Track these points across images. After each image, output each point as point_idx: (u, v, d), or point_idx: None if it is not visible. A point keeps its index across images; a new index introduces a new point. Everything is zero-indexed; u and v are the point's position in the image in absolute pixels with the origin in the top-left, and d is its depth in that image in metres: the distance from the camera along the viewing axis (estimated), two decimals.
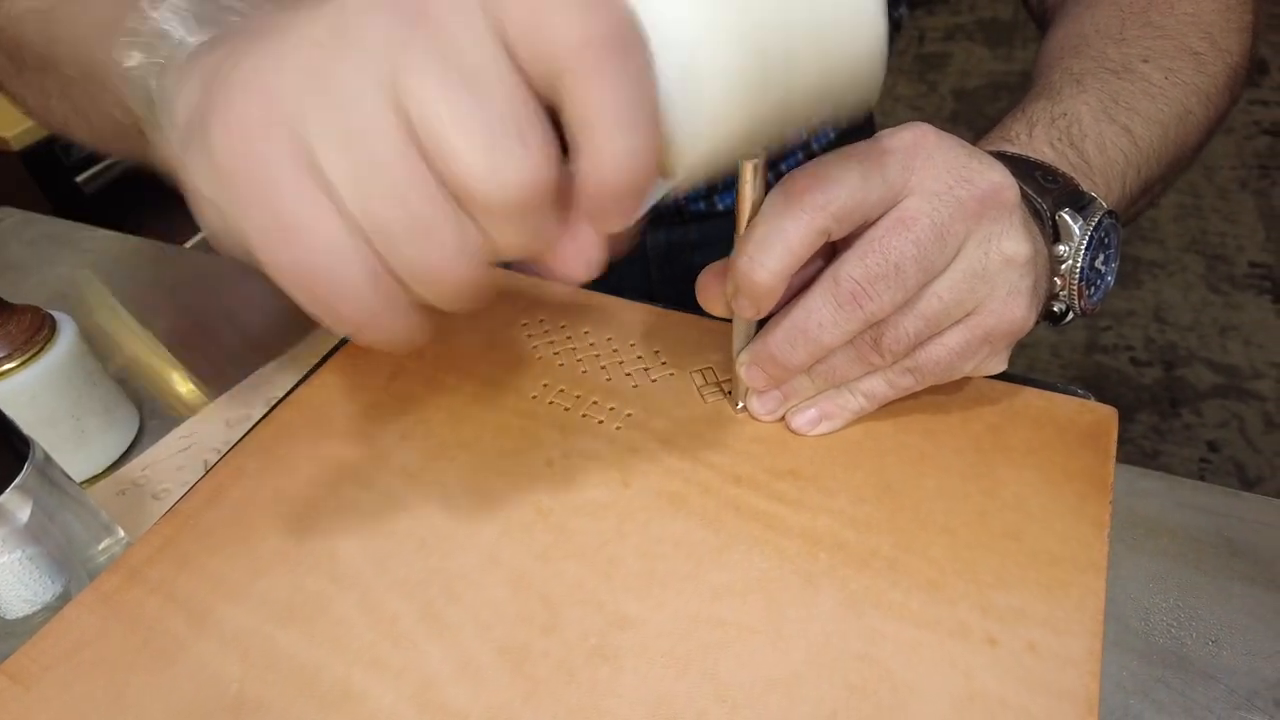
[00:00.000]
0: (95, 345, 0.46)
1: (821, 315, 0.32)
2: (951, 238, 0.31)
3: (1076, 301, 0.36)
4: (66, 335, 0.42)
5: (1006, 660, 0.27)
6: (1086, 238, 0.35)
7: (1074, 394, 0.37)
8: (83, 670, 0.30)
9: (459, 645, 0.29)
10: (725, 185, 0.63)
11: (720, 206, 0.65)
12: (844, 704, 0.27)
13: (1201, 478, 1.40)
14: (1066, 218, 0.35)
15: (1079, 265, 0.35)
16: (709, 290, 0.34)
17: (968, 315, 0.32)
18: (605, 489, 0.34)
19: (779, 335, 0.33)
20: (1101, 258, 0.36)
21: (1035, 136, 0.39)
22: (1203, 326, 1.71)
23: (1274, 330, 1.68)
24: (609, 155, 0.21)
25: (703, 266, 0.69)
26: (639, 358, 0.40)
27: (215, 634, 0.30)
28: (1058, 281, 0.35)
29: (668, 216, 0.65)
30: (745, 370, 0.35)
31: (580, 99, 0.21)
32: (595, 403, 0.38)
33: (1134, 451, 1.49)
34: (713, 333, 0.41)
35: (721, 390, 0.38)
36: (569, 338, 0.42)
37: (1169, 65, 0.43)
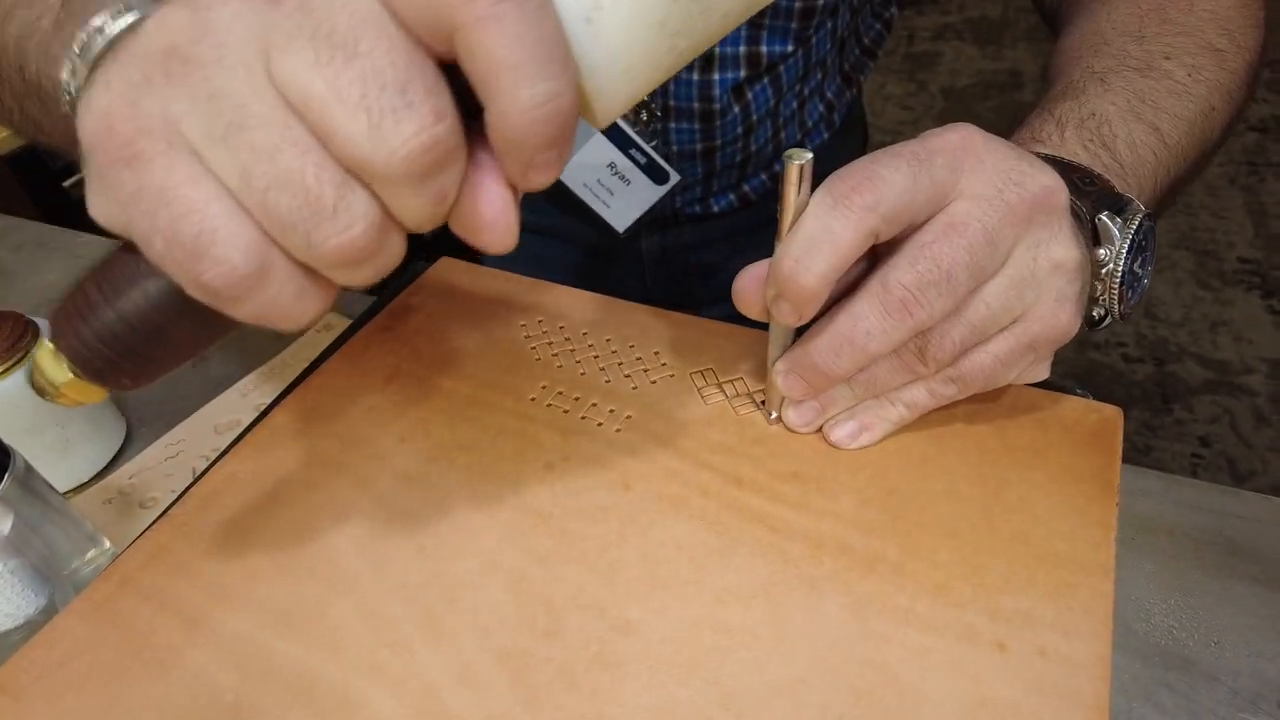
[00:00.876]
0: None
1: (869, 323, 0.31)
2: (1002, 243, 0.30)
3: (1116, 306, 0.35)
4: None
5: (1016, 665, 0.27)
6: (1128, 241, 0.34)
7: (1074, 393, 0.37)
8: (75, 680, 0.29)
9: (459, 651, 0.29)
10: (721, 188, 0.63)
11: (715, 209, 0.64)
12: (850, 710, 0.26)
13: (1194, 473, 1.41)
14: (1106, 221, 0.34)
15: (1120, 269, 0.34)
16: (747, 294, 0.33)
17: (1014, 322, 0.32)
18: (606, 492, 0.34)
19: (822, 343, 0.32)
20: (1140, 260, 0.36)
21: (1067, 138, 0.38)
22: (1193, 322, 1.72)
23: (1263, 325, 1.69)
24: (519, 106, 0.20)
25: (698, 268, 0.69)
26: (638, 359, 0.40)
27: (210, 641, 0.30)
28: (1098, 286, 0.35)
29: (663, 219, 0.64)
30: (783, 379, 0.34)
31: (478, 52, 0.20)
32: (594, 405, 0.38)
33: (1127, 448, 1.47)
34: (713, 334, 0.41)
35: (722, 392, 0.38)
36: (567, 339, 0.41)
37: (1192, 62, 0.42)
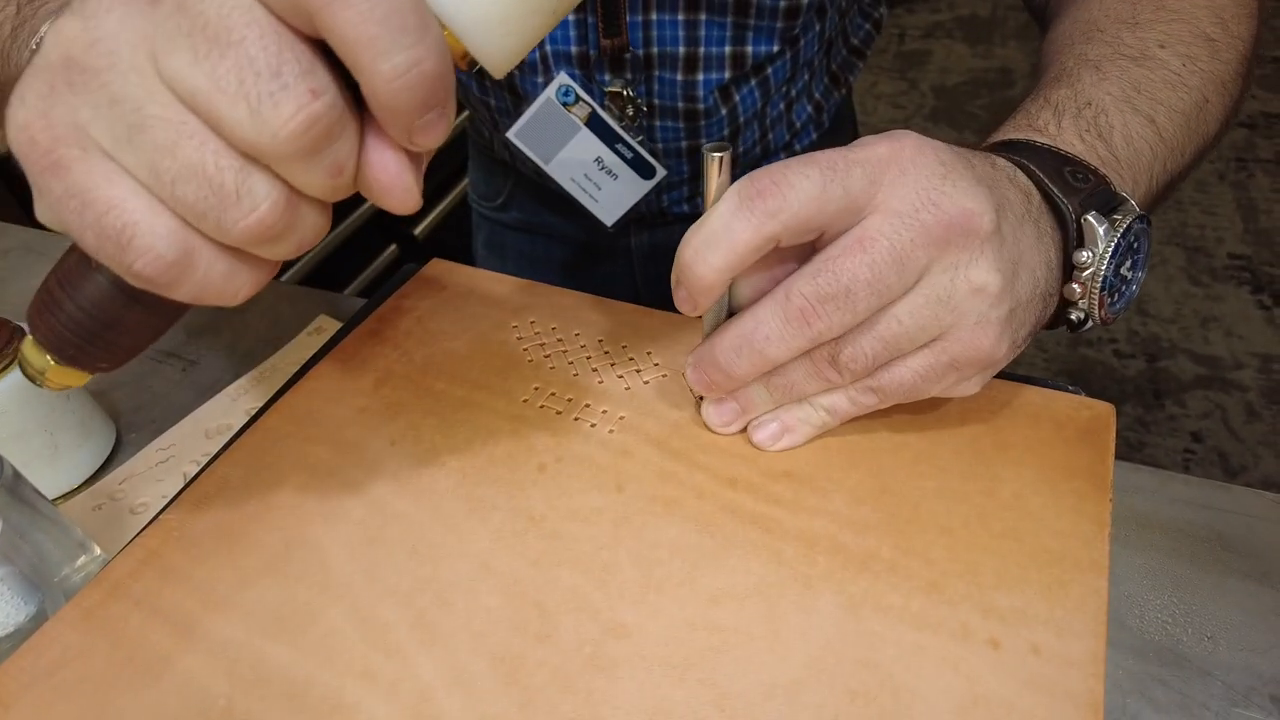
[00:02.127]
0: None
1: (768, 329, 0.31)
2: (911, 263, 0.29)
3: (1096, 311, 0.34)
4: None
5: (1010, 663, 0.27)
6: (1113, 244, 0.33)
7: (1065, 390, 0.37)
8: (64, 689, 0.29)
9: (452, 655, 0.29)
10: None
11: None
12: (845, 710, 0.26)
13: (1186, 469, 1.42)
14: (1092, 221, 0.33)
15: (1102, 273, 0.33)
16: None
17: (933, 340, 0.31)
18: (599, 494, 0.34)
19: (724, 341, 0.32)
20: (1129, 264, 0.35)
21: (1064, 127, 0.37)
22: (1184, 318, 1.73)
23: (1254, 321, 1.70)
24: (382, 77, 0.21)
25: None
26: (631, 359, 0.40)
27: (202, 648, 0.30)
28: (1077, 289, 0.34)
29: (652, 218, 0.64)
30: (689, 372, 0.34)
31: (333, 31, 0.21)
32: (587, 406, 0.38)
33: (1119, 444, 1.48)
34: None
35: None
36: (560, 340, 0.41)
37: (1186, 52, 0.41)
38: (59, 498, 0.43)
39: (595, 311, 0.43)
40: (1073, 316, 0.35)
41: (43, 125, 0.22)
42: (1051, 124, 0.37)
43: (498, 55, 0.25)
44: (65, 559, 0.35)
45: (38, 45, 0.28)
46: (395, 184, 0.24)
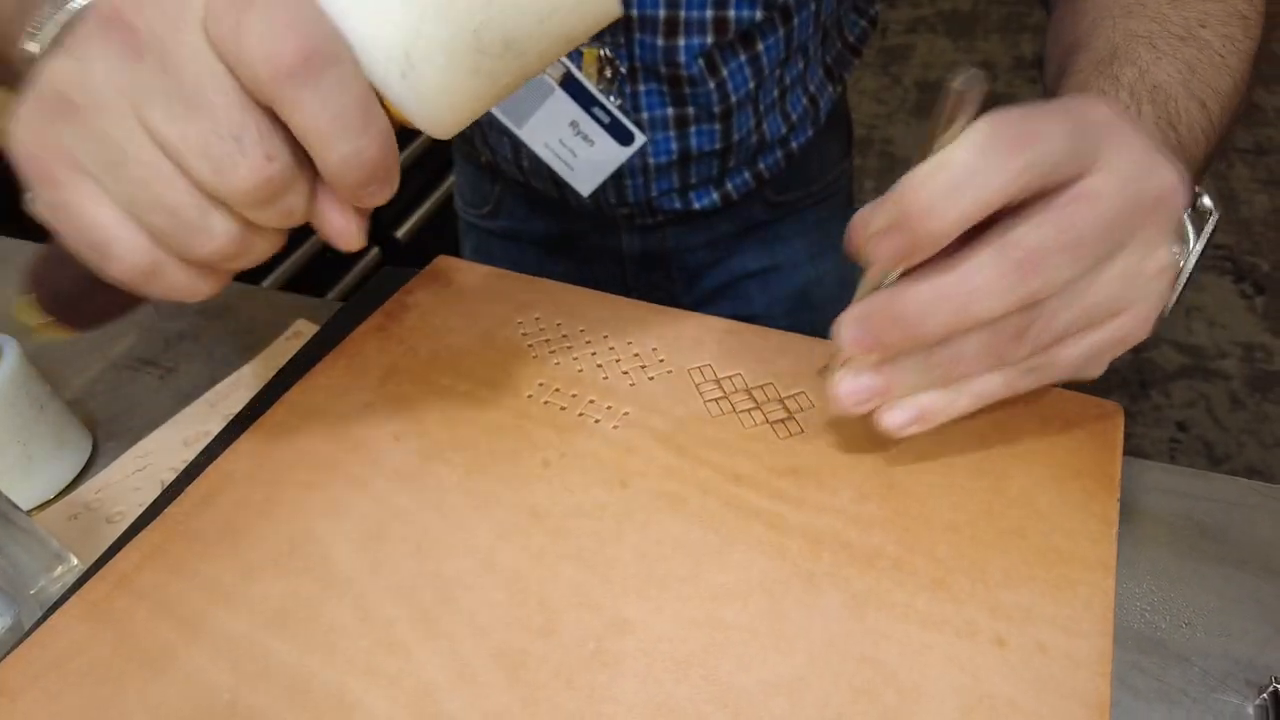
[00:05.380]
0: (46, 367, 0.44)
1: (981, 279, 0.27)
2: (1122, 229, 0.28)
3: (1167, 308, 0.32)
4: (8, 359, 0.41)
5: (1015, 661, 0.27)
6: (1202, 242, 0.31)
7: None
8: (70, 680, 0.29)
9: (455, 651, 0.29)
10: (701, 181, 0.62)
11: (696, 206, 0.63)
12: (849, 707, 0.27)
13: (1172, 458, 1.43)
14: (1186, 219, 0.31)
15: (1188, 271, 0.32)
16: (856, 230, 0.29)
17: (1113, 317, 0.30)
18: (603, 489, 0.34)
19: (920, 293, 0.28)
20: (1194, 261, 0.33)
21: (1144, 114, 0.35)
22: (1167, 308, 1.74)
23: (1236, 310, 1.72)
24: (333, 162, 0.26)
25: (679, 267, 0.68)
26: (636, 355, 0.40)
27: (206, 642, 0.30)
28: None
29: (640, 215, 0.63)
30: (846, 330, 0.29)
31: (290, 120, 0.25)
32: (592, 401, 0.37)
33: None
34: (711, 330, 0.40)
35: (720, 388, 0.38)
36: (564, 336, 0.41)
37: (1225, 32, 0.40)
38: (34, 508, 0.42)
39: (600, 307, 0.42)
40: None
41: (39, 145, 0.26)
42: (1131, 109, 0.35)
43: (444, 128, 0.28)
44: (41, 570, 0.35)
45: (36, 29, 0.29)
46: (343, 232, 0.29)
